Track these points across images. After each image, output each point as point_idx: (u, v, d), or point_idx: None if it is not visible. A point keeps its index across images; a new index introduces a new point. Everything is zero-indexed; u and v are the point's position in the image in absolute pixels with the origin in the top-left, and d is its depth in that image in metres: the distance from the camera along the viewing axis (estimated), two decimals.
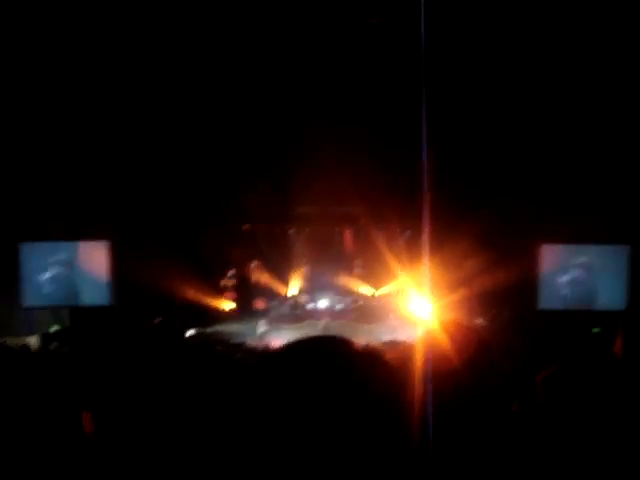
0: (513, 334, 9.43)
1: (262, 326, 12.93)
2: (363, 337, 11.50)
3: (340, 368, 0.71)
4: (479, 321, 11.28)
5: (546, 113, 10.53)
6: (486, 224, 10.82)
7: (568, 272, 11.05)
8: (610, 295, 10.90)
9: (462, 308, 10.30)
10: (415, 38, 4.76)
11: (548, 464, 1.80)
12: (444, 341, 1.65)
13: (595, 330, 10.33)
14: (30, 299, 10.99)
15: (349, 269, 15.18)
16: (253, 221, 14.02)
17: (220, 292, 14.23)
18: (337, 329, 13.26)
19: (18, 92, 9.77)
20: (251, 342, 11.40)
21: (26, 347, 7.48)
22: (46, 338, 10.21)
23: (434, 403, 0.95)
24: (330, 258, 15.06)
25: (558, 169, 11.05)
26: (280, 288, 15.27)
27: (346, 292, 15.25)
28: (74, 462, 1.75)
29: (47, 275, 11.03)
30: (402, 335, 8.69)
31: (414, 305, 11.64)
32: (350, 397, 0.69)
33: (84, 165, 11.00)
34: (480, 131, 10.75)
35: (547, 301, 10.96)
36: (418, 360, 1.42)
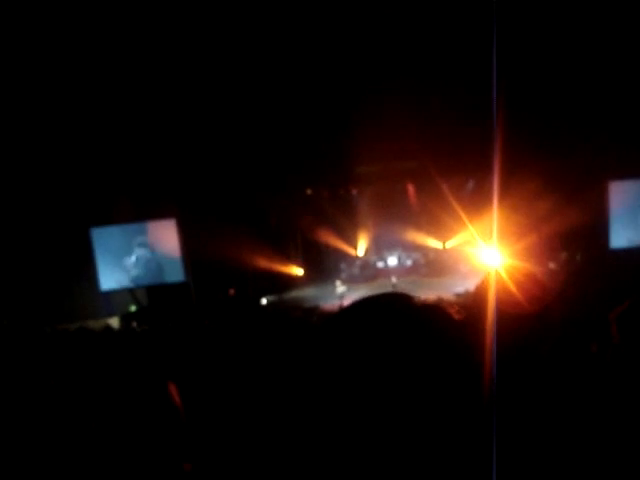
0: (586, 276, 9.27)
1: (339, 287, 13.05)
2: (434, 290, 11.54)
3: (399, 323, 0.73)
4: (551, 265, 11.11)
5: (606, 47, 10.07)
6: (551, 164, 10.53)
7: None
8: None
9: (533, 253, 10.12)
10: None
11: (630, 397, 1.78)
12: (511, 288, 1.65)
13: None
14: (106, 282, 11.34)
15: (415, 224, 15.13)
16: (315, 185, 14.02)
17: (289, 258, 14.41)
18: (408, 285, 13.32)
19: (84, 82, 9.88)
20: (326, 304, 11.57)
21: (109, 328, 7.78)
22: (126, 318, 10.58)
23: (502, 350, 0.96)
24: (395, 215, 15.01)
25: (621, 103, 10.59)
26: (348, 249, 15.39)
27: (414, 247, 15.26)
28: (169, 433, 1.82)
29: (130, 258, 11.35)
30: (474, 285, 8.63)
31: (484, 254, 11.50)
32: (411, 351, 0.71)
33: (146, 143, 11.07)
34: (542, 67, 10.33)
35: (619, 240, 10.66)
36: (485, 308, 1.42)
